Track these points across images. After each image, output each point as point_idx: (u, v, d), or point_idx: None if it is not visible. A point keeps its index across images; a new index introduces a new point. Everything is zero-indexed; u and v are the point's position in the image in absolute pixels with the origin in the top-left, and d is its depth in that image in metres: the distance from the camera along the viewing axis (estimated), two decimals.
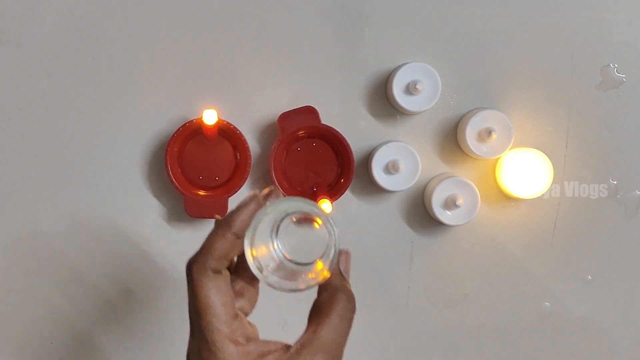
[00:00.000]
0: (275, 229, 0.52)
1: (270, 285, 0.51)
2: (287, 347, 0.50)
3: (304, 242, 0.53)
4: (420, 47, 0.79)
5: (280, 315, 0.80)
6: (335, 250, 0.51)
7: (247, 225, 0.49)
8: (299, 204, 0.51)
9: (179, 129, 0.76)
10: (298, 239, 0.53)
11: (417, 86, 0.75)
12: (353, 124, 0.79)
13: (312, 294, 0.80)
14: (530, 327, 0.81)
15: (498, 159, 0.79)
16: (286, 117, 0.76)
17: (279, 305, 0.80)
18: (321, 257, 0.52)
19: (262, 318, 0.81)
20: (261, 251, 0.51)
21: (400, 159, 0.76)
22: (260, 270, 0.50)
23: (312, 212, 0.52)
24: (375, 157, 0.77)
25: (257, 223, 0.50)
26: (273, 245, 0.52)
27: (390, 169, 0.76)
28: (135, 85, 0.79)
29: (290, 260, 0.52)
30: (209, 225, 0.79)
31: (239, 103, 0.79)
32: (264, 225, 0.50)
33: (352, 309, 0.52)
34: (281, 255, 0.52)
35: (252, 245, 0.50)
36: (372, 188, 0.80)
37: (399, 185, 0.77)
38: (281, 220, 0.52)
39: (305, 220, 0.53)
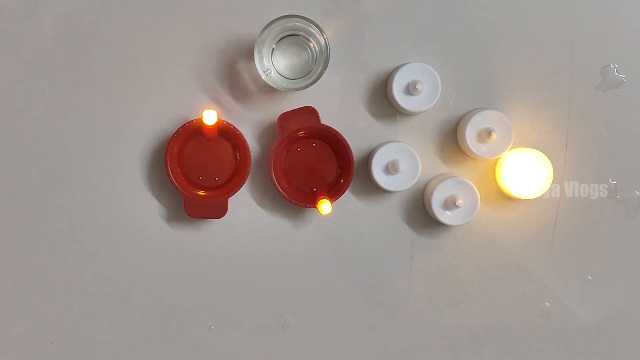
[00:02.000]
0: (271, 51, 0.75)
1: (271, 83, 0.74)
2: None
3: (294, 62, 0.76)
4: (420, 47, 0.79)
5: (280, 315, 0.80)
6: (327, 53, 0.72)
7: None
8: (289, 25, 0.73)
9: (179, 129, 0.76)
10: (289, 60, 0.76)
11: (417, 86, 0.75)
12: (353, 124, 0.79)
13: (313, 293, 0.79)
14: (530, 327, 0.81)
15: (498, 159, 0.79)
16: (286, 117, 0.76)
17: (280, 306, 0.80)
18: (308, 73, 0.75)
19: (262, 318, 0.82)
20: (266, 62, 0.74)
21: (400, 159, 0.76)
22: (265, 72, 0.74)
23: (300, 31, 0.74)
24: (375, 157, 0.77)
25: (262, 41, 0.73)
26: (271, 62, 0.75)
27: (390, 169, 0.76)
28: (135, 86, 0.79)
29: (282, 75, 0.75)
30: (209, 226, 0.79)
31: (239, 103, 0.79)
32: (266, 45, 0.74)
33: None
34: (275, 70, 0.75)
35: (259, 56, 0.73)
36: (372, 188, 0.80)
37: (399, 185, 0.77)
38: (276, 42, 0.75)
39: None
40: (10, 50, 0.78)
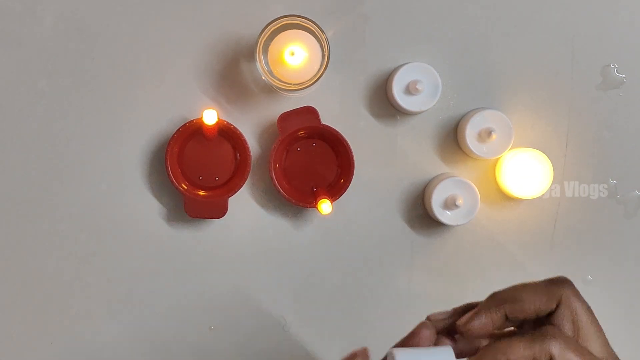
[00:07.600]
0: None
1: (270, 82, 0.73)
2: None
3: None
4: (420, 47, 0.79)
5: (280, 315, 0.80)
6: (327, 53, 0.72)
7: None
8: (289, 25, 0.73)
9: (179, 129, 0.76)
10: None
11: (417, 86, 0.75)
12: (353, 124, 0.79)
13: (313, 293, 0.79)
14: None
15: (498, 159, 0.79)
16: (286, 117, 0.76)
17: (280, 306, 0.80)
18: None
19: (262, 318, 0.82)
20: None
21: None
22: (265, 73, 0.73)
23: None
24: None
25: (262, 41, 0.73)
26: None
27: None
28: (135, 85, 0.79)
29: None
30: (209, 226, 0.79)
31: (239, 103, 0.79)
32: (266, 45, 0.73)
33: None
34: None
35: (260, 56, 0.72)
36: (372, 188, 0.79)
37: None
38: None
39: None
40: (10, 50, 0.78)
